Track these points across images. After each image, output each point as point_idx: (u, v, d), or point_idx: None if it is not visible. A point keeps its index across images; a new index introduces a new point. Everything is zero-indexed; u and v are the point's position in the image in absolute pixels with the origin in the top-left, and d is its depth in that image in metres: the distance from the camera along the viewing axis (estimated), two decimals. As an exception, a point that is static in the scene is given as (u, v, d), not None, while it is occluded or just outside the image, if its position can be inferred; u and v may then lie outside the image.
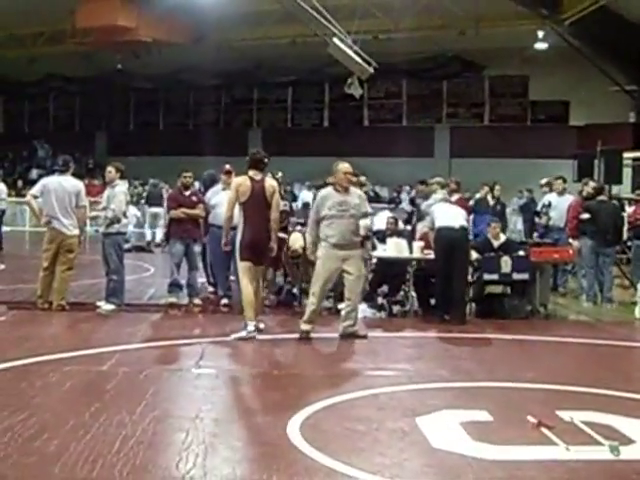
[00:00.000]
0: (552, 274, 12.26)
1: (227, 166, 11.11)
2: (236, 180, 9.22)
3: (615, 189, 18.24)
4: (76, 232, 10.38)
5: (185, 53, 25.99)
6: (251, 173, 8.95)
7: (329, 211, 8.81)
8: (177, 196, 11.18)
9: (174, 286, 10.95)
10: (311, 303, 8.89)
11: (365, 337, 8.85)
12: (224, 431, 5.52)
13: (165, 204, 11.63)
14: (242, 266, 8.91)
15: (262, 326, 9.03)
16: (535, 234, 14.09)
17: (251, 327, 8.74)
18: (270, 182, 9.13)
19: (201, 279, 11.65)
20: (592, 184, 13.17)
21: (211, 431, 5.47)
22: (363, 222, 9.11)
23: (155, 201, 20.15)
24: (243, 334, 8.67)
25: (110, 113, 31.77)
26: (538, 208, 14.12)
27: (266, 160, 9.09)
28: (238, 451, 5.23)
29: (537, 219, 13.88)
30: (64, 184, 10.39)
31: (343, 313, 8.93)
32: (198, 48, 25.26)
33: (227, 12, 22.99)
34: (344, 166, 9.01)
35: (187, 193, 11.08)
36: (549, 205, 13.67)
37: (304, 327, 8.82)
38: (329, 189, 9.09)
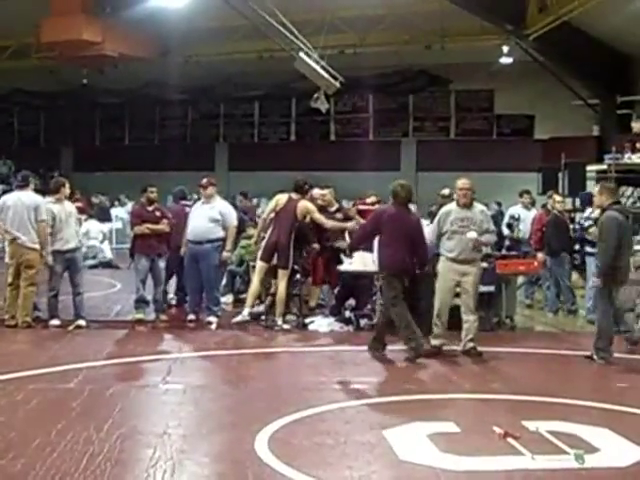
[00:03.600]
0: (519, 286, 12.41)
1: (204, 180, 11.15)
2: (278, 196, 10.89)
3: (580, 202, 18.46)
4: (36, 247, 10.21)
5: (151, 68, 25.89)
6: (292, 194, 10.72)
7: (451, 226, 9.03)
8: (141, 212, 11.11)
9: (140, 302, 10.89)
10: (436, 316, 9.01)
11: (480, 354, 8.85)
12: (192, 447, 5.51)
13: (129, 220, 11.65)
14: (257, 265, 10.70)
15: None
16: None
17: (245, 312, 10.46)
18: (305, 204, 10.66)
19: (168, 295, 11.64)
20: (557, 197, 13.31)
21: (179, 447, 5.46)
22: (485, 238, 9.10)
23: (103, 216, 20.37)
24: (238, 318, 10.41)
25: (76, 128, 31.44)
26: (505, 221, 14.22)
27: (306, 186, 10.91)
28: (206, 467, 5.23)
29: (508, 231, 13.99)
30: (23, 199, 10.28)
31: (463, 330, 9.01)
32: (164, 63, 25.17)
33: (193, 27, 22.96)
34: (460, 182, 9.24)
35: (150, 208, 11.03)
36: (518, 218, 13.81)
37: (434, 342, 8.92)
38: (452, 205, 9.26)
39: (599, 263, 8.81)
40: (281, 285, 10.48)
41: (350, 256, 10.21)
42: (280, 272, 10.52)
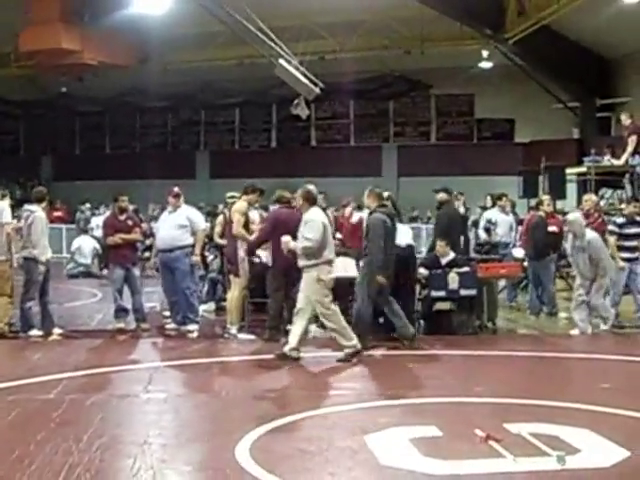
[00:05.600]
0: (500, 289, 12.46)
1: (175, 189, 11.02)
2: None
3: (559, 204, 18.55)
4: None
5: (131, 75, 25.86)
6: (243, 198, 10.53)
7: None
8: (113, 222, 11.03)
9: (120, 311, 10.81)
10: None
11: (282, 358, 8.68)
12: (173, 456, 5.47)
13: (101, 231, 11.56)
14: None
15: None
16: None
17: (232, 330, 10.15)
18: (235, 206, 10.36)
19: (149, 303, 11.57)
20: (546, 198, 13.41)
21: (159, 457, 5.41)
22: (292, 243, 9.05)
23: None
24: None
25: (55, 137, 31.35)
26: (480, 225, 14.23)
27: (251, 189, 10.56)
28: (187, 476, 5.20)
29: (485, 236, 14.04)
30: None
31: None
32: (144, 70, 25.15)
33: (173, 34, 22.96)
34: None
35: (122, 217, 10.96)
36: (494, 223, 13.83)
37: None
38: None
39: (373, 260, 9.31)
40: (233, 292, 10.24)
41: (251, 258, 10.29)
42: (232, 280, 10.31)
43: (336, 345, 9.41)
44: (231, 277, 10.41)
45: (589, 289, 10.56)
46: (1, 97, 30.59)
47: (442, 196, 12.28)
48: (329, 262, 8.83)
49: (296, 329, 8.73)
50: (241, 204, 10.35)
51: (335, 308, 8.83)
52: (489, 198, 14.77)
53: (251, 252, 10.18)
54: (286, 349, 8.65)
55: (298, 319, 8.77)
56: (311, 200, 9.02)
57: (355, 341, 8.73)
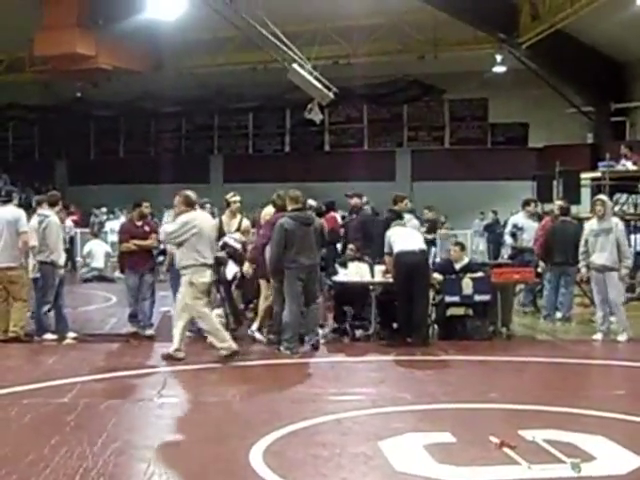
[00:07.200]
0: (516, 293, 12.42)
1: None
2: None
3: (574, 209, 18.47)
4: (14, 264, 10.04)
5: (145, 80, 25.94)
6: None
7: None
8: (129, 227, 11.04)
9: (134, 316, 10.84)
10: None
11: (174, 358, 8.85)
12: (186, 461, 5.46)
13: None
14: None
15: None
16: (504, 255, 14.19)
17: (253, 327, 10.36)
18: (265, 210, 10.51)
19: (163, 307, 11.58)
20: (559, 203, 13.37)
21: (173, 461, 5.42)
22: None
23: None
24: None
25: (70, 141, 31.44)
26: (507, 230, 14.17)
27: (275, 198, 10.20)
28: (201, 480, 5.19)
29: (511, 241, 13.99)
30: (4, 215, 10.14)
31: None
32: (158, 75, 25.22)
33: (187, 39, 23.04)
34: None
35: (139, 223, 10.95)
36: (521, 228, 13.80)
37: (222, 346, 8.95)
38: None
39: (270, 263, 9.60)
40: (262, 296, 10.33)
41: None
42: (262, 283, 10.32)
43: (349, 350, 9.45)
44: (261, 282, 10.36)
45: (603, 287, 10.49)
46: (16, 102, 30.75)
47: (355, 201, 12.38)
48: (203, 266, 8.94)
49: (177, 330, 8.93)
50: (270, 209, 10.38)
51: (206, 310, 9.00)
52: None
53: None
54: (170, 350, 8.89)
55: (179, 320, 8.97)
56: (191, 205, 9.25)
57: (229, 343, 8.91)
